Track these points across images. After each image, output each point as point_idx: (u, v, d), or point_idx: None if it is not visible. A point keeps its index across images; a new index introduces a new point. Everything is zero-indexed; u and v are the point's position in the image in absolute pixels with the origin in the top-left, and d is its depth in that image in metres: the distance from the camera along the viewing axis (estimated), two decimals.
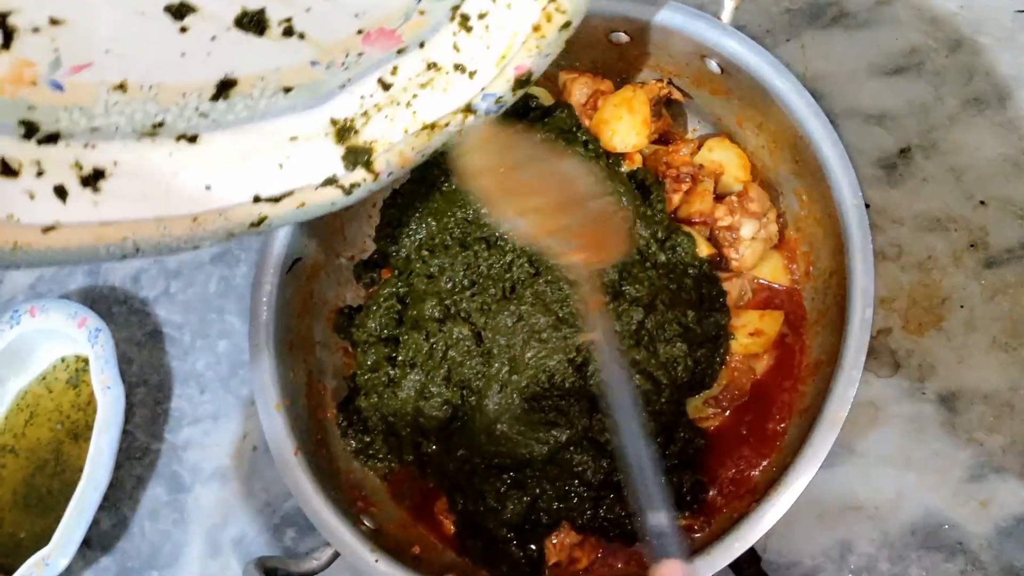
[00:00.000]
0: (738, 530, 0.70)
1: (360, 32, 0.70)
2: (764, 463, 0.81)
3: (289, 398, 0.83)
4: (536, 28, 0.71)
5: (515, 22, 0.71)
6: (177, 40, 0.63)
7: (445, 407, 0.84)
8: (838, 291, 0.77)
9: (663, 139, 0.93)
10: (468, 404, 0.84)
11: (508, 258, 0.85)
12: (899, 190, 0.94)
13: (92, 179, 0.64)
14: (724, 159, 0.89)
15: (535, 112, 0.92)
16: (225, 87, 0.68)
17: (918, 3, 1.00)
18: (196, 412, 1.03)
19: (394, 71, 0.74)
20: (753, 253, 0.86)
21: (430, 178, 0.90)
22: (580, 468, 0.81)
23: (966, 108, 0.95)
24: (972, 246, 0.91)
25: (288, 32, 0.67)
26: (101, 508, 0.92)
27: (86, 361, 1.01)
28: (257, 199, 0.72)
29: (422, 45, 0.73)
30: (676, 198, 0.87)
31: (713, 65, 0.84)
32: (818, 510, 0.85)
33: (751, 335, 0.84)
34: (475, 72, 0.73)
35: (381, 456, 0.87)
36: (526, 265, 0.84)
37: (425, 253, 0.89)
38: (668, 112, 0.93)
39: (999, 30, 0.97)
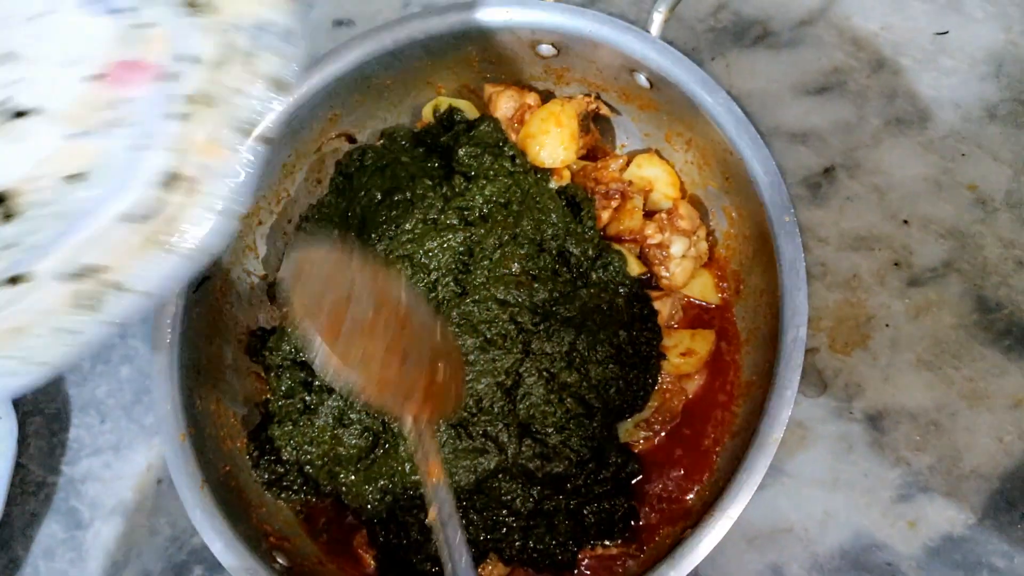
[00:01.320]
0: (672, 558, 0.68)
1: None
2: (697, 487, 0.79)
3: (195, 427, 0.78)
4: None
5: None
6: None
7: (365, 435, 0.80)
8: (769, 310, 0.76)
9: (591, 155, 0.91)
10: (390, 432, 0.80)
11: (433, 277, 0.81)
12: (824, 209, 0.94)
13: None
14: (653, 175, 0.88)
15: (459, 125, 0.89)
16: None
17: (840, 24, 1.00)
18: (96, 443, 0.97)
19: None
20: (683, 271, 0.85)
21: (350, 192, 0.87)
22: (509, 497, 0.77)
23: (888, 128, 0.96)
24: (896, 265, 0.91)
25: None
26: None
27: None
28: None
29: None
30: (605, 215, 0.86)
31: (642, 79, 0.83)
32: (748, 532, 0.84)
33: (682, 355, 0.82)
34: None
35: (296, 488, 0.83)
36: (451, 284, 0.81)
37: None
38: (596, 127, 0.91)
39: (919, 52, 0.98)
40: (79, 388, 0.99)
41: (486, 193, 0.83)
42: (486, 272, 0.81)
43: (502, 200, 0.83)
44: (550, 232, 0.82)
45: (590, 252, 0.83)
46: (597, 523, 0.78)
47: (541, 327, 0.79)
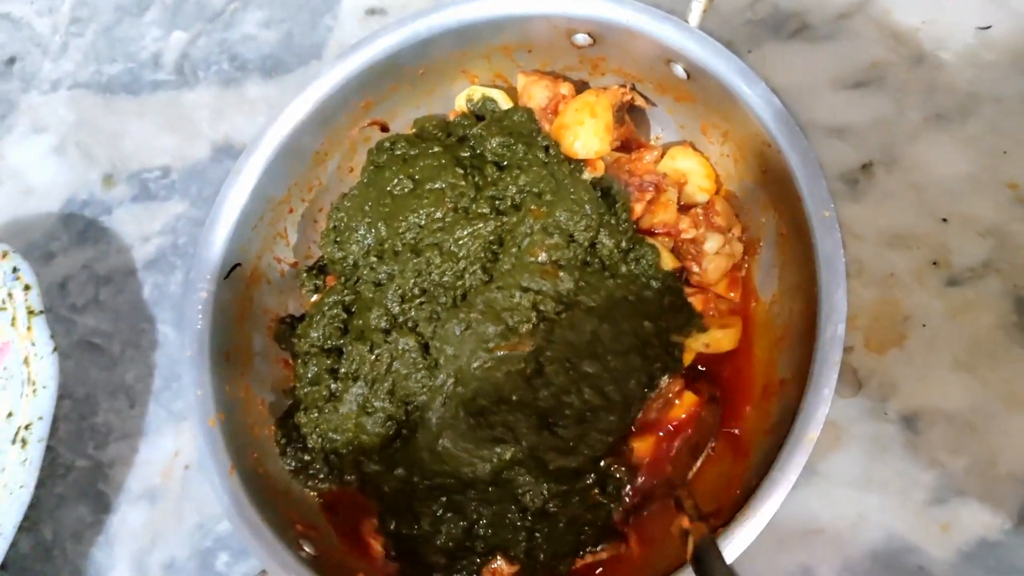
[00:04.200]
0: None
1: None
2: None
3: (224, 413, 0.78)
4: None
5: None
6: None
7: (388, 423, 0.80)
8: (805, 306, 0.74)
9: (625, 147, 0.90)
10: (412, 420, 0.80)
11: (461, 265, 0.81)
12: (861, 205, 0.92)
13: None
14: (688, 168, 0.86)
15: (493, 115, 0.88)
16: None
17: (880, 17, 0.98)
18: (124, 427, 0.97)
19: None
20: (716, 268, 0.84)
21: (382, 181, 0.86)
22: (521, 490, 0.77)
23: (928, 124, 0.94)
24: (934, 264, 0.89)
25: None
26: (20, 529, 0.85)
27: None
28: None
29: None
30: (639, 207, 0.84)
31: (679, 70, 0.82)
32: (778, 533, 0.83)
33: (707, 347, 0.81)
34: None
35: (322, 476, 0.82)
36: (479, 272, 0.80)
37: (374, 259, 0.84)
38: (631, 119, 0.90)
39: (961, 46, 0.96)
40: (108, 373, 1.00)
41: (519, 183, 0.82)
42: (512, 259, 0.80)
43: (535, 190, 0.82)
44: (583, 223, 0.81)
45: (623, 244, 0.82)
46: (594, 533, 0.77)
47: (564, 315, 0.78)
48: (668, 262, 0.83)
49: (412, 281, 0.82)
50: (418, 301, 0.81)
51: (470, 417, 0.78)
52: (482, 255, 0.81)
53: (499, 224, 0.81)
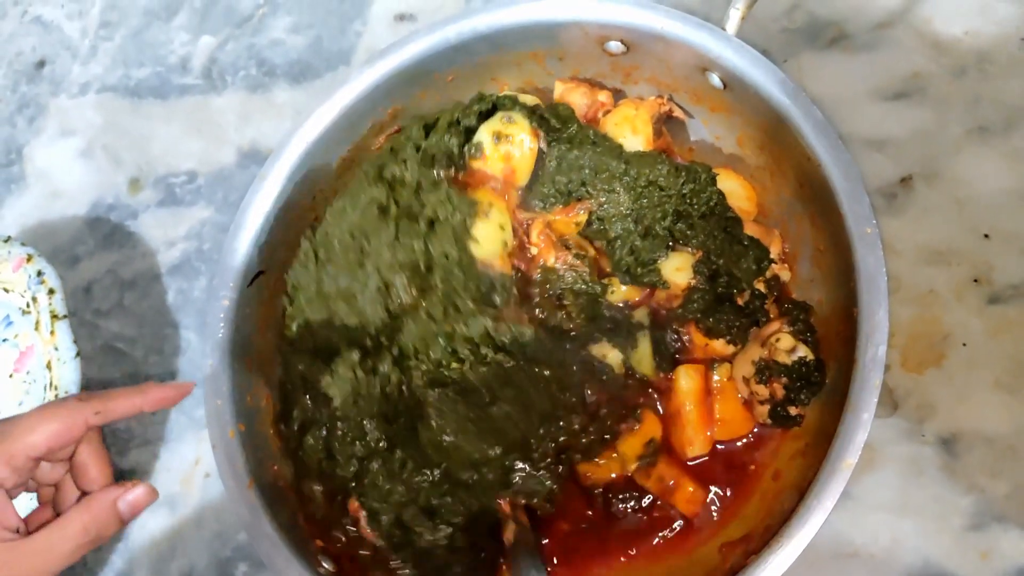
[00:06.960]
0: None
1: None
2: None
3: (245, 423, 0.76)
4: None
5: None
6: None
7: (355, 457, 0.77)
8: (842, 326, 0.72)
9: None
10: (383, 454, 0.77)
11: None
12: (899, 220, 0.90)
13: None
14: (729, 189, 0.84)
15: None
16: None
17: (921, 27, 0.96)
18: (146, 434, 0.97)
19: None
20: None
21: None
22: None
23: (970, 137, 0.91)
24: (975, 281, 0.87)
25: None
26: None
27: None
28: None
29: None
30: None
31: (715, 79, 0.80)
32: (809, 557, 0.79)
33: None
34: None
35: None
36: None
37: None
38: (667, 131, 0.88)
39: (1006, 58, 0.93)
40: (132, 379, 0.99)
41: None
42: None
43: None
44: None
45: None
46: None
47: None
48: None
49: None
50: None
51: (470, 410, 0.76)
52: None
53: None
